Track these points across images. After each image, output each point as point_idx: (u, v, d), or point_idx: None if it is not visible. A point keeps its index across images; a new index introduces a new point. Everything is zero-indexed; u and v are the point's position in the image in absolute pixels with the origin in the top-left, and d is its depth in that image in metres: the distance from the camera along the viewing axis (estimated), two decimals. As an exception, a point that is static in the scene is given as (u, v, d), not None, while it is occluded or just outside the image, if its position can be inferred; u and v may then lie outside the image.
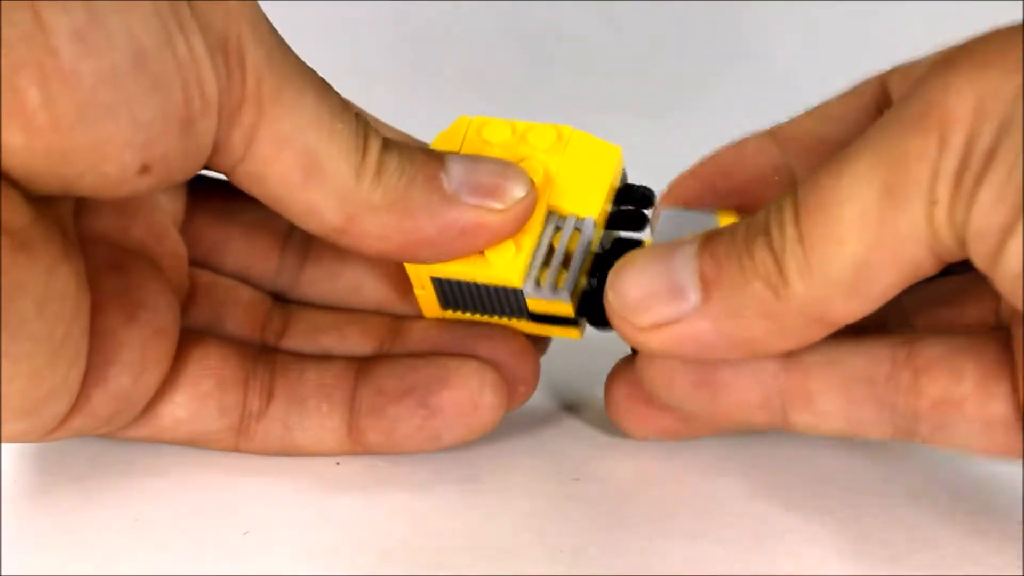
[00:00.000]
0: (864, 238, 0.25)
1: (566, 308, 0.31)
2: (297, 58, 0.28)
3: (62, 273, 0.27)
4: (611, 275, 0.29)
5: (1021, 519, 0.30)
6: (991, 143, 0.24)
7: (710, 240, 0.27)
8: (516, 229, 0.30)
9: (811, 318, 0.26)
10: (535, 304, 0.31)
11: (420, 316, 0.33)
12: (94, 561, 0.29)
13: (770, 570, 0.29)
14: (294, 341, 0.34)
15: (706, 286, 0.27)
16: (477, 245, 0.30)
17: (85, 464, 0.33)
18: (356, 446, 0.32)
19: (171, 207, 0.33)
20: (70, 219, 0.29)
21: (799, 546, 0.30)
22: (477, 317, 0.32)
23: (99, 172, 0.26)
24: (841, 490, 0.32)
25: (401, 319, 0.34)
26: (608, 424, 0.33)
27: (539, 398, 0.34)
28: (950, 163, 0.24)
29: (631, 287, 0.28)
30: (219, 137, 0.27)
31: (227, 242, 0.34)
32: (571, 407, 0.35)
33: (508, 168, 0.30)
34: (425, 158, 0.29)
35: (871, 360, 0.28)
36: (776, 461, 0.33)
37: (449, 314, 0.33)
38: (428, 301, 0.32)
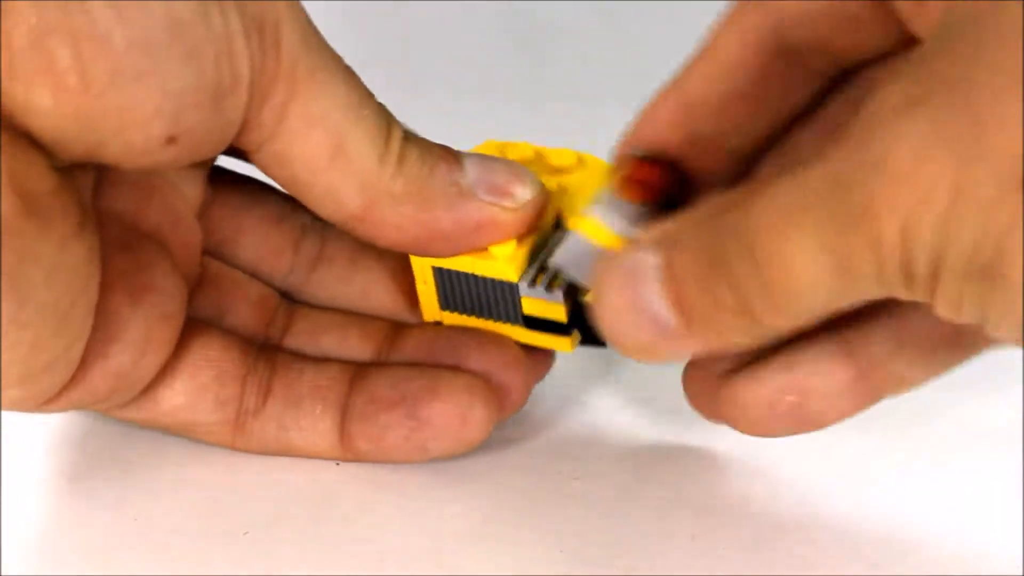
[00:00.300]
0: (822, 300, 0.25)
1: (559, 311, 0.31)
2: (328, 44, 0.29)
3: (75, 246, 0.27)
4: (592, 302, 0.28)
5: (1021, 519, 0.30)
6: (929, 274, 0.24)
7: (671, 267, 0.27)
8: (524, 229, 0.30)
9: (787, 329, 0.27)
10: (529, 305, 0.31)
11: (421, 324, 0.33)
12: (94, 561, 0.29)
13: (770, 570, 0.29)
14: (296, 340, 0.34)
15: (683, 313, 0.27)
16: (487, 241, 0.30)
17: (85, 464, 0.33)
18: (347, 452, 0.32)
19: (190, 193, 0.33)
20: (90, 194, 0.29)
21: (799, 546, 0.30)
22: (473, 321, 0.32)
23: (125, 140, 0.26)
24: (841, 490, 0.32)
25: (401, 325, 0.34)
26: (608, 424, 0.33)
27: (539, 397, 0.34)
28: (894, 277, 0.24)
29: (612, 321, 0.28)
30: (249, 114, 0.27)
31: (242, 235, 0.34)
32: (571, 407, 0.35)
33: (520, 169, 0.31)
34: (443, 152, 0.30)
35: None
36: (776, 461, 0.33)
37: (447, 316, 0.33)
38: (428, 298, 0.32)
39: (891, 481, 0.32)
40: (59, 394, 0.29)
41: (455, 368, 0.32)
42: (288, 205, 0.34)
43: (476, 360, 0.32)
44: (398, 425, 0.31)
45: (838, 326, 0.30)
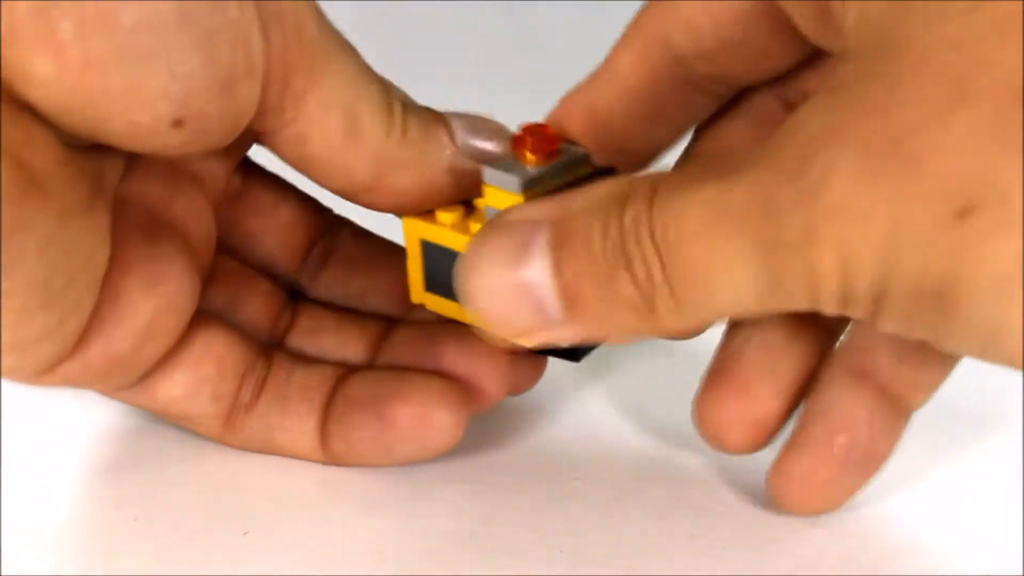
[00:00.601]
0: (738, 311, 0.25)
1: None
2: (334, 26, 0.29)
3: (78, 223, 0.27)
4: (460, 277, 0.28)
5: (1021, 519, 0.30)
6: (873, 298, 0.24)
7: (562, 246, 0.26)
8: None
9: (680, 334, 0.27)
10: None
11: (410, 322, 0.34)
12: (94, 561, 0.29)
13: (770, 570, 0.29)
14: (297, 338, 0.34)
15: (569, 305, 0.26)
16: (477, 193, 0.31)
17: (84, 463, 0.33)
18: (326, 454, 0.32)
19: (215, 188, 0.33)
20: (114, 178, 0.30)
21: (799, 546, 0.30)
22: (451, 307, 0.32)
23: (130, 120, 0.26)
24: (841, 490, 0.32)
25: (394, 324, 0.34)
26: (608, 424, 0.33)
27: (539, 397, 0.34)
28: (830, 299, 0.24)
29: (487, 301, 0.27)
30: (267, 102, 0.28)
31: (265, 233, 0.34)
32: (571, 406, 0.35)
33: (501, 126, 0.32)
34: (433, 116, 0.31)
35: None
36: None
37: (430, 299, 0.32)
38: (415, 276, 0.32)
39: (891, 481, 0.32)
40: (54, 367, 0.29)
41: (434, 369, 0.32)
42: (311, 205, 0.35)
43: (452, 360, 0.32)
44: (366, 426, 0.32)
45: (841, 354, 0.30)
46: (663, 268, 0.25)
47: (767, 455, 0.33)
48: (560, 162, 0.30)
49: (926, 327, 0.24)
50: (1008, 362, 0.23)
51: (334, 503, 0.31)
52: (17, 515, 0.31)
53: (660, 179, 0.26)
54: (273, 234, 0.34)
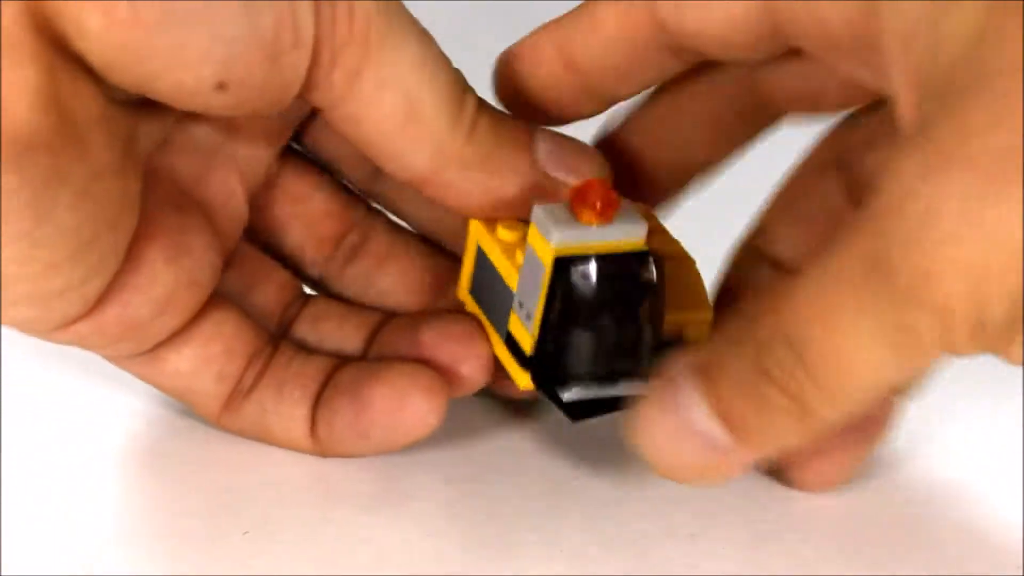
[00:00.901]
0: (882, 380, 0.25)
1: (527, 341, 0.30)
2: (403, 6, 0.29)
3: (112, 181, 0.27)
4: (636, 439, 0.28)
5: (1021, 520, 0.30)
6: (1008, 316, 0.23)
7: (707, 379, 0.27)
8: None
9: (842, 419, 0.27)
10: (513, 322, 0.31)
11: (406, 314, 0.34)
12: (94, 561, 0.29)
13: (770, 570, 0.29)
14: (301, 328, 0.34)
15: (733, 428, 0.27)
16: None
17: (85, 464, 0.33)
18: (314, 442, 0.32)
19: (252, 173, 0.33)
20: (149, 146, 0.30)
21: (799, 546, 0.30)
22: (480, 317, 0.32)
23: (175, 78, 0.27)
24: (840, 490, 0.32)
25: (392, 316, 0.34)
26: (608, 424, 0.33)
27: (539, 397, 0.34)
28: (963, 332, 0.24)
29: (662, 451, 0.28)
30: (316, 76, 0.28)
31: (296, 221, 0.34)
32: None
33: (589, 149, 0.31)
34: (516, 123, 0.31)
35: None
36: (773, 476, 0.33)
37: (469, 302, 0.33)
38: (465, 274, 0.33)
39: (891, 481, 0.32)
40: (70, 325, 0.29)
41: (415, 355, 0.32)
42: (345, 196, 0.34)
43: (430, 346, 0.32)
44: (345, 410, 0.32)
45: None
46: (801, 363, 0.25)
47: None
48: (610, 228, 0.30)
49: None
50: None
51: (334, 503, 0.31)
52: (17, 515, 0.31)
53: (781, 286, 0.26)
54: (303, 223, 0.34)
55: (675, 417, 0.27)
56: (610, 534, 0.30)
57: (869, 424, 0.31)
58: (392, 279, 0.34)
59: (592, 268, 0.29)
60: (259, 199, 0.34)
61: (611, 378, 0.30)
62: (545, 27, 0.32)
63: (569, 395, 0.30)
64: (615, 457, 0.33)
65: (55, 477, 0.32)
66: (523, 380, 0.30)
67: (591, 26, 0.32)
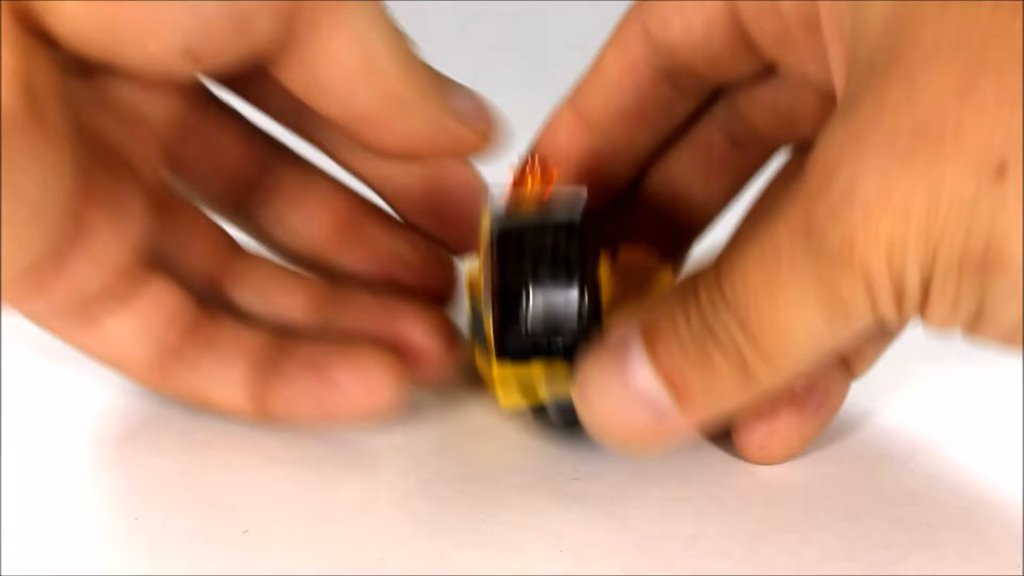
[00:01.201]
0: (819, 345, 0.27)
1: (489, 326, 0.31)
2: None
3: (67, 152, 0.28)
4: (577, 403, 0.29)
5: (1021, 519, 0.30)
6: (921, 285, 0.25)
7: (654, 344, 0.28)
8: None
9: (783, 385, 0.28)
10: (485, 324, 0.31)
11: (361, 289, 0.34)
12: (94, 561, 0.29)
13: (770, 570, 0.29)
14: (243, 291, 0.34)
15: (678, 392, 0.28)
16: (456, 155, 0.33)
17: (85, 464, 0.33)
18: (258, 410, 0.33)
19: (167, 124, 0.33)
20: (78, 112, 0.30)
21: (799, 546, 0.30)
22: (478, 354, 0.33)
23: (145, 49, 0.27)
24: (841, 490, 0.32)
25: (343, 289, 0.35)
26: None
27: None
28: (886, 298, 0.25)
29: (606, 415, 0.29)
30: (279, 32, 0.29)
31: (209, 167, 0.35)
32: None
33: (487, 105, 0.33)
34: (443, 75, 0.32)
35: None
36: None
37: (476, 354, 0.33)
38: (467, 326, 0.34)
39: (890, 481, 0.32)
40: (18, 294, 0.30)
41: (381, 334, 0.33)
42: (261, 141, 0.35)
43: (399, 326, 0.33)
44: (305, 384, 0.32)
45: None
46: (742, 328, 0.27)
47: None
48: (549, 205, 0.31)
49: (974, 296, 0.24)
50: None
51: (334, 503, 0.31)
52: (17, 515, 0.31)
53: (721, 253, 0.28)
54: (218, 170, 0.35)
55: (619, 379, 0.28)
56: (610, 534, 0.30)
57: (822, 407, 0.32)
58: (305, 217, 0.35)
59: (524, 234, 0.30)
60: (175, 150, 0.34)
61: (555, 342, 0.30)
62: (565, 97, 0.34)
63: (553, 403, 0.31)
64: (615, 457, 0.33)
65: (55, 476, 0.32)
66: (504, 400, 0.31)
67: (596, 75, 0.34)
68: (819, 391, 0.32)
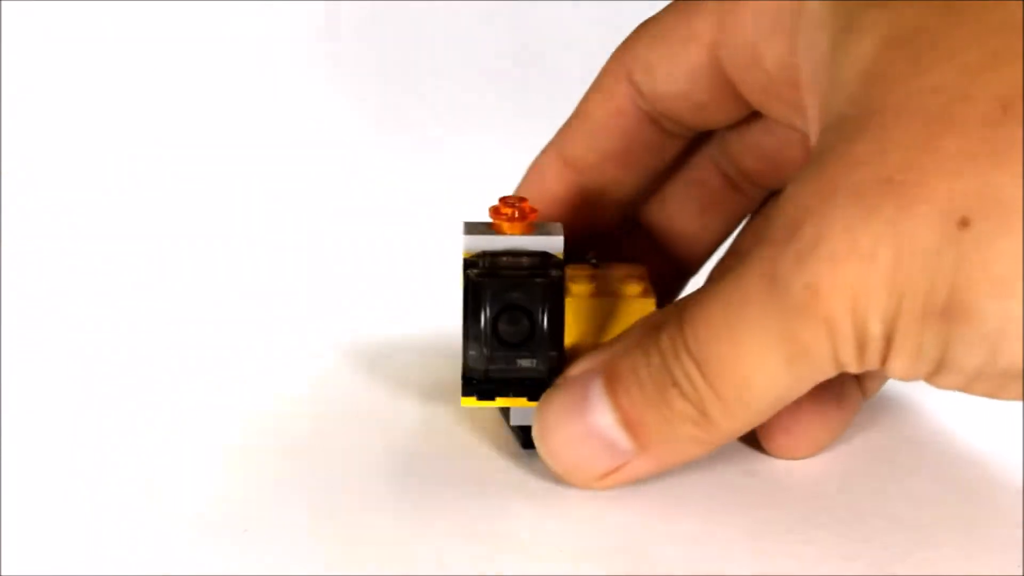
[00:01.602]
0: (778, 393, 0.27)
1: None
2: None
3: None
4: (536, 439, 0.30)
5: (1021, 519, 0.30)
6: (884, 334, 0.25)
7: (615, 386, 0.29)
8: None
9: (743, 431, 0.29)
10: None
11: None
12: (94, 561, 0.29)
13: (770, 570, 0.29)
14: None
15: (636, 435, 0.29)
16: None
17: (85, 464, 0.33)
18: None
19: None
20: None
21: (799, 546, 0.30)
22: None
23: None
24: (841, 490, 0.32)
25: None
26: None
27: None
28: (848, 347, 0.26)
29: (564, 454, 0.30)
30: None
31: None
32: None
33: None
34: None
35: None
36: (776, 461, 0.33)
37: None
38: None
39: (891, 481, 0.32)
40: None
41: None
42: None
43: None
44: None
45: None
46: (703, 375, 0.27)
47: (767, 457, 0.33)
48: (526, 237, 0.31)
49: (937, 345, 0.25)
50: (1011, 367, 0.24)
51: (334, 503, 0.31)
52: (17, 515, 0.31)
53: (686, 298, 0.28)
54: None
55: (579, 418, 0.29)
56: (610, 534, 0.30)
57: (839, 405, 0.32)
58: None
59: (495, 282, 0.30)
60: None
61: (517, 387, 0.31)
62: (550, 141, 0.35)
63: (516, 419, 0.32)
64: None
65: (55, 477, 0.32)
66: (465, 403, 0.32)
67: (581, 119, 0.34)
68: (836, 387, 0.32)
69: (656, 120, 0.34)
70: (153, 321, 0.42)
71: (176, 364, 0.39)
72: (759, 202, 0.36)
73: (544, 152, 0.35)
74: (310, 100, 0.57)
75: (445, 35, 0.59)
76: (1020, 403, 0.35)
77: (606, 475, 0.30)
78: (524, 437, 0.32)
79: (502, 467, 0.33)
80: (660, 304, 0.32)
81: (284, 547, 0.29)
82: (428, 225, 0.49)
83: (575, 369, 0.30)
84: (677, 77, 0.32)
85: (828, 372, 0.26)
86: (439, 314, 0.40)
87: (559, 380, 0.30)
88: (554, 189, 0.35)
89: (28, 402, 0.36)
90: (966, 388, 0.26)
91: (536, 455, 0.31)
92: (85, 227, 0.51)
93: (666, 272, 0.36)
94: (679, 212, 0.36)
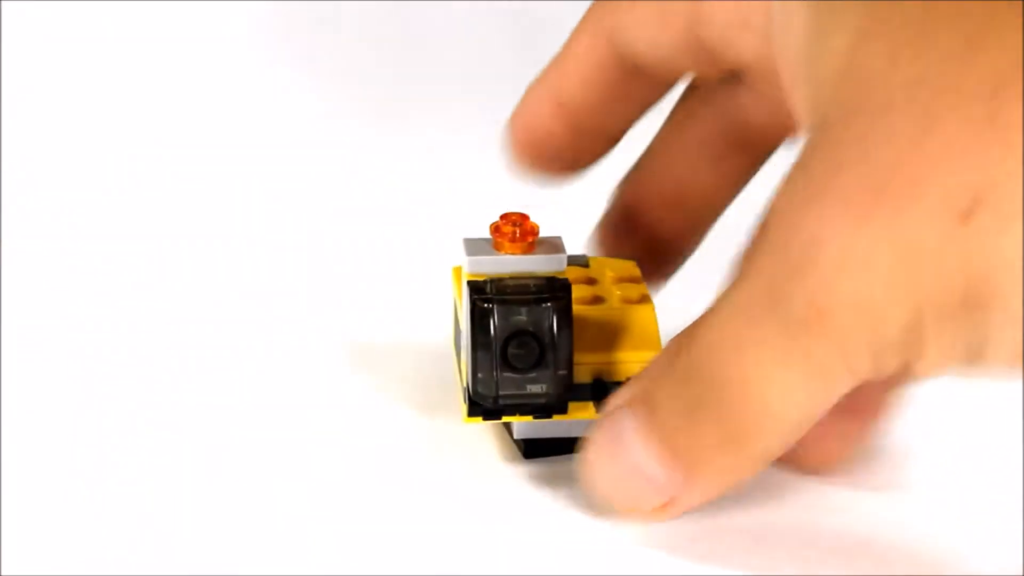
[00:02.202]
0: (802, 410, 0.27)
1: (463, 371, 0.31)
2: None
3: None
4: (585, 484, 0.30)
5: (1021, 519, 0.30)
6: (903, 338, 0.25)
7: (644, 419, 0.28)
8: None
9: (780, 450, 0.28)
10: (462, 359, 0.32)
11: None
12: (94, 561, 0.29)
13: (770, 570, 0.29)
14: None
15: (674, 467, 0.28)
16: None
17: (86, 464, 0.33)
18: None
19: None
20: None
21: (800, 547, 0.30)
22: (455, 362, 0.33)
23: None
24: (841, 490, 0.32)
25: None
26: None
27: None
28: (862, 358, 0.25)
29: (612, 495, 0.29)
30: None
31: None
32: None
33: None
34: None
35: None
36: (776, 461, 0.33)
37: (454, 354, 0.34)
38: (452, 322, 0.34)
39: (891, 481, 0.32)
40: None
41: None
42: None
43: None
44: None
45: None
46: (722, 398, 0.27)
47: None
48: (528, 257, 0.31)
49: (969, 333, 0.24)
50: None
51: (334, 503, 0.31)
52: (17, 515, 0.31)
53: (700, 319, 0.28)
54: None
55: (616, 458, 0.29)
56: (611, 534, 0.30)
57: (863, 409, 0.32)
58: None
59: (500, 291, 0.30)
60: None
61: (523, 408, 0.31)
62: (537, 78, 0.34)
63: (520, 432, 0.32)
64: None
65: (55, 477, 0.32)
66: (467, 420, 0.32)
67: (571, 65, 0.34)
68: (870, 404, 0.32)
69: (642, 73, 0.33)
70: (151, 322, 0.42)
71: (173, 365, 0.39)
72: (761, 158, 0.35)
73: (532, 89, 0.35)
74: (310, 100, 0.57)
75: (445, 35, 0.59)
76: (1020, 403, 0.35)
77: (659, 509, 0.29)
78: (527, 449, 0.32)
79: (501, 467, 0.33)
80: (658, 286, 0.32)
81: (284, 547, 0.29)
82: (428, 225, 0.49)
83: (608, 406, 0.29)
84: (660, 45, 0.32)
85: (848, 383, 0.26)
86: (439, 314, 0.40)
87: (597, 420, 0.30)
88: (547, 125, 0.34)
89: (28, 402, 0.36)
90: (1009, 365, 0.25)
91: (535, 461, 0.31)
92: (85, 227, 0.50)
93: (676, 231, 0.36)
94: (691, 167, 0.35)
